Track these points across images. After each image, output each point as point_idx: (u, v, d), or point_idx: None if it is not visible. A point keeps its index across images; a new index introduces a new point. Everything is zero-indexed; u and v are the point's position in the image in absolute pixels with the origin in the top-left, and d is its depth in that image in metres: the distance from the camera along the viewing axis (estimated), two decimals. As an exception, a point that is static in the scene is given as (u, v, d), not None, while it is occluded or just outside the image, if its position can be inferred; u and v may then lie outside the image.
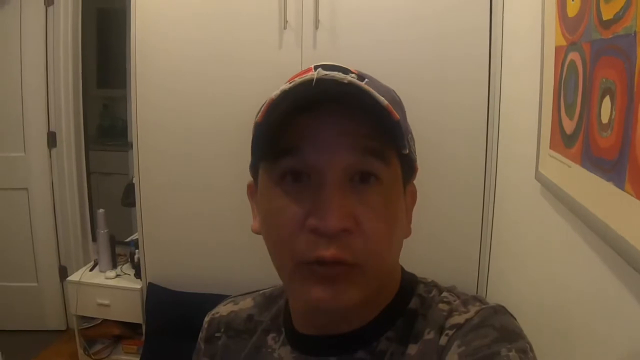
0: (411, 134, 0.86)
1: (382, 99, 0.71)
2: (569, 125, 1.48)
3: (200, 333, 1.10)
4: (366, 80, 0.79)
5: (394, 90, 0.86)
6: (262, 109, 0.75)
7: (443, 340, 0.81)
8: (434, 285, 0.93)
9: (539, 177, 1.80)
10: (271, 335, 0.98)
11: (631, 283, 1.12)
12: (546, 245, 1.80)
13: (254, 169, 0.86)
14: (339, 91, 0.71)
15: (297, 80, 0.72)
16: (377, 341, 0.85)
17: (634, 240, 1.05)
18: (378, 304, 0.88)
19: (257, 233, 0.86)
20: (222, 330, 1.06)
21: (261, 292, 1.10)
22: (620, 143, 1.11)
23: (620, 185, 1.10)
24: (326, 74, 0.72)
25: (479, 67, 2.66)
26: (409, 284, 0.93)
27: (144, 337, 3.37)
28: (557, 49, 1.61)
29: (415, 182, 0.90)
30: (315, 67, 0.80)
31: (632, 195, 1.05)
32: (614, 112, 1.15)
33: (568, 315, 1.54)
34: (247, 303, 1.08)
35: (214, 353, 1.05)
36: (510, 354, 0.73)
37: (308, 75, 0.72)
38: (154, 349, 3.22)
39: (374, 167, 0.76)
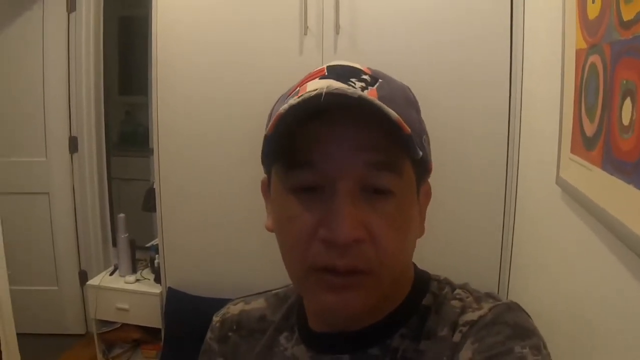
0: (426, 134, 0.85)
1: (392, 113, 0.70)
2: (589, 128, 1.46)
3: (210, 333, 1.09)
4: (380, 81, 0.79)
5: (408, 88, 0.86)
6: (271, 122, 0.73)
7: (457, 337, 0.80)
8: (447, 282, 0.93)
9: (559, 181, 1.78)
10: (284, 334, 0.98)
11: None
12: (568, 250, 1.78)
13: (267, 169, 0.86)
14: (349, 104, 0.70)
15: (306, 95, 0.71)
16: (391, 338, 0.85)
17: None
18: (392, 302, 0.87)
19: (271, 231, 0.86)
20: (234, 328, 1.05)
21: (273, 292, 1.09)
22: (642, 144, 1.09)
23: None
24: (336, 89, 0.70)
25: (500, 71, 2.65)
26: (422, 281, 0.92)
27: (163, 341, 3.38)
28: (578, 52, 1.60)
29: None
30: (328, 68, 0.80)
31: (652, 196, 1.04)
32: (634, 114, 1.14)
33: (590, 321, 1.52)
34: (259, 303, 1.07)
35: (227, 352, 1.05)
36: (524, 350, 0.73)
37: (317, 90, 0.70)
38: (172, 353, 3.23)
39: (387, 181, 0.75)
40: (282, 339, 0.97)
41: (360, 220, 0.73)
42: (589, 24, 1.49)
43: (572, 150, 1.64)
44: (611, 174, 1.28)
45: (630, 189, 1.15)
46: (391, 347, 0.84)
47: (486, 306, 0.83)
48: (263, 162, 0.85)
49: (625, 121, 1.19)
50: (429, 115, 0.88)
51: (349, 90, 0.70)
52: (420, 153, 0.74)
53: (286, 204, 0.78)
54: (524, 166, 2.56)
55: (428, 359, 0.81)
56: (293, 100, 0.71)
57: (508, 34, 2.62)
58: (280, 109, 0.72)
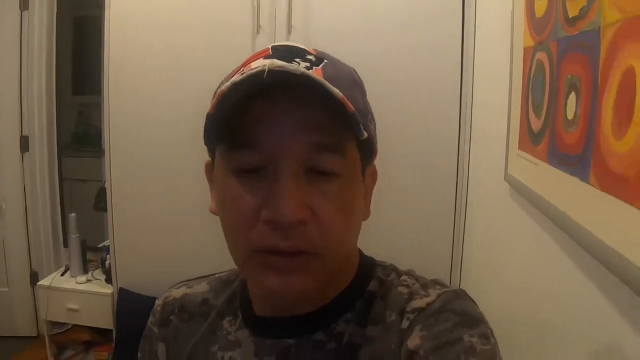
0: (372, 115, 0.85)
1: (336, 91, 0.69)
2: (536, 124, 1.49)
3: (152, 317, 1.07)
4: (325, 61, 0.79)
5: (354, 70, 0.86)
6: (214, 100, 0.73)
7: (405, 323, 0.81)
8: (393, 268, 0.93)
9: (508, 178, 1.80)
10: (227, 318, 0.96)
11: (598, 277, 1.12)
12: (517, 247, 1.80)
13: (211, 150, 0.85)
14: (292, 82, 0.69)
15: (248, 72, 0.70)
16: (336, 322, 0.85)
17: (599, 232, 1.05)
18: (336, 286, 0.87)
19: (214, 214, 0.85)
20: (176, 312, 1.03)
21: (217, 276, 1.08)
22: (585, 137, 1.12)
23: (584, 178, 1.11)
24: (279, 66, 0.69)
25: (451, 73, 2.69)
26: (368, 266, 0.92)
27: (114, 343, 3.34)
28: (526, 50, 1.62)
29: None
30: (272, 48, 0.80)
31: (595, 187, 1.06)
32: (579, 108, 1.16)
33: (541, 317, 1.53)
34: (202, 287, 1.06)
35: (168, 336, 1.03)
36: (473, 339, 0.74)
37: (259, 67, 0.70)
38: (124, 355, 3.20)
39: (331, 163, 0.75)
40: (225, 323, 0.96)
41: (304, 201, 0.72)
42: (536, 22, 1.52)
43: (520, 147, 1.66)
44: (556, 168, 1.30)
45: (574, 180, 1.17)
46: (336, 332, 0.84)
47: (433, 293, 0.84)
48: (206, 143, 0.84)
49: (570, 115, 1.21)
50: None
51: (292, 67, 0.70)
52: (365, 134, 0.74)
53: (229, 185, 0.77)
54: (475, 165, 2.59)
55: (375, 344, 0.82)
56: (236, 78, 0.70)
57: (459, 34, 2.67)
58: (223, 86, 0.71)
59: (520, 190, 1.66)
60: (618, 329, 1.02)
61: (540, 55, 1.46)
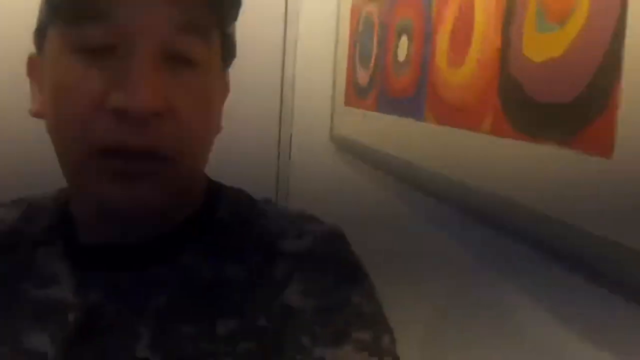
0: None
1: None
2: (364, 77, 1.49)
3: None
4: None
5: None
6: None
7: (279, 272, 0.70)
8: (243, 193, 0.82)
9: (333, 137, 1.79)
10: (42, 249, 0.77)
11: (433, 210, 1.13)
12: (348, 208, 1.79)
13: (41, 34, 0.69)
14: None
15: None
16: (181, 254, 0.72)
17: (440, 168, 1.05)
18: (180, 211, 0.74)
19: (38, 116, 0.70)
20: None
21: (29, 199, 0.86)
22: (418, 76, 1.13)
23: (419, 117, 1.12)
24: None
25: (274, 27, 2.64)
26: (216, 190, 0.80)
27: None
28: (353, 8, 1.62)
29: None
30: None
31: (432, 123, 1.07)
32: (411, 48, 1.17)
33: (387, 272, 1.51)
34: (9, 213, 0.84)
35: None
36: (360, 299, 0.68)
37: None
38: None
39: (194, 47, 0.64)
40: (39, 255, 0.77)
41: (161, 92, 0.60)
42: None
43: (347, 104, 1.66)
44: (388, 114, 1.30)
45: (408, 121, 1.17)
46: (181, 265, 0.72)
47: (309, 233, 0.74)
48: (43, 11, 0.68)
49: (401, 57, 1.22)
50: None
51: None
52: (232, 27, 0.68)
53: (66, 67, 0.63)
54: (299, 126, 2.56)
55: (238, 285, 0.70)
56: None
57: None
58: None
59: (347, 148, 1.66)
60: (480, 269, 1.02)
61: (369, 8, 1.47)
